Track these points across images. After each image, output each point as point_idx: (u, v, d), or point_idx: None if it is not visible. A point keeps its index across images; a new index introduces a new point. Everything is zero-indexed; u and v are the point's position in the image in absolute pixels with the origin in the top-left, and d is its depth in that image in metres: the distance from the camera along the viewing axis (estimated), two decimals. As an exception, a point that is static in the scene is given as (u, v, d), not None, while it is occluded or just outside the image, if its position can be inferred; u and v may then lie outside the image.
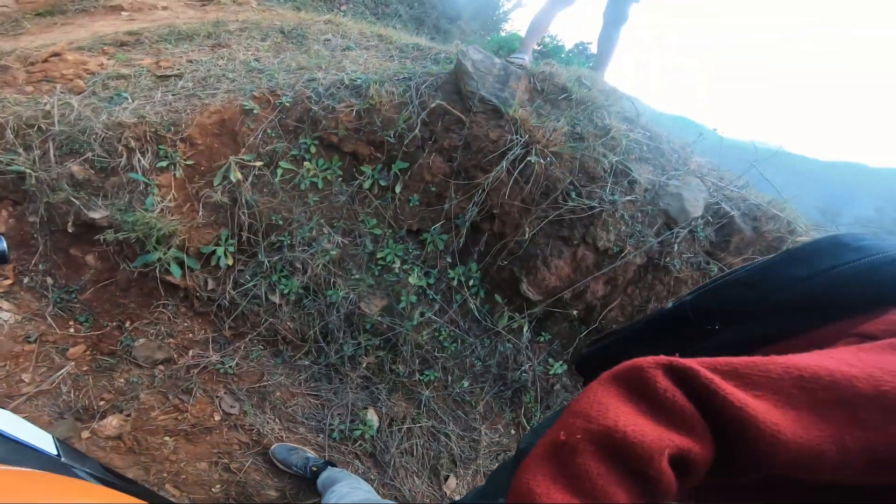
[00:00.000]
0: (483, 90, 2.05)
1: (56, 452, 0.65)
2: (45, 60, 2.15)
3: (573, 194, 1.94)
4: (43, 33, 2.86)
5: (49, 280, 1.86)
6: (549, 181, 1.98)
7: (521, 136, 1.97)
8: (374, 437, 1.95)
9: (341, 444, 1.94)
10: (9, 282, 1.81)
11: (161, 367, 1.97)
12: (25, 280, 1.85)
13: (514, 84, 2.15)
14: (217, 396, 1.94)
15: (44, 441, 0.65)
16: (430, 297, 2.21)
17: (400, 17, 5.15)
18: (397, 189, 2.22)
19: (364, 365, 2.12)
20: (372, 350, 2.12)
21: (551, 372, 2.14)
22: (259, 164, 2.05)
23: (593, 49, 3.74)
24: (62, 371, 1.85)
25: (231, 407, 1.93)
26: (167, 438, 1.81)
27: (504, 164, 1.96)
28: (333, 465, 1.77)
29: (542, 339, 2.18)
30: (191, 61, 2.43)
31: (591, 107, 2.11)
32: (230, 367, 1.98)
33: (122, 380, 1.91)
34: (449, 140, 2.09)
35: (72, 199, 1.75)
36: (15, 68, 2.05)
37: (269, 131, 2.04)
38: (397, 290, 2.17)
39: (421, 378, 2.11)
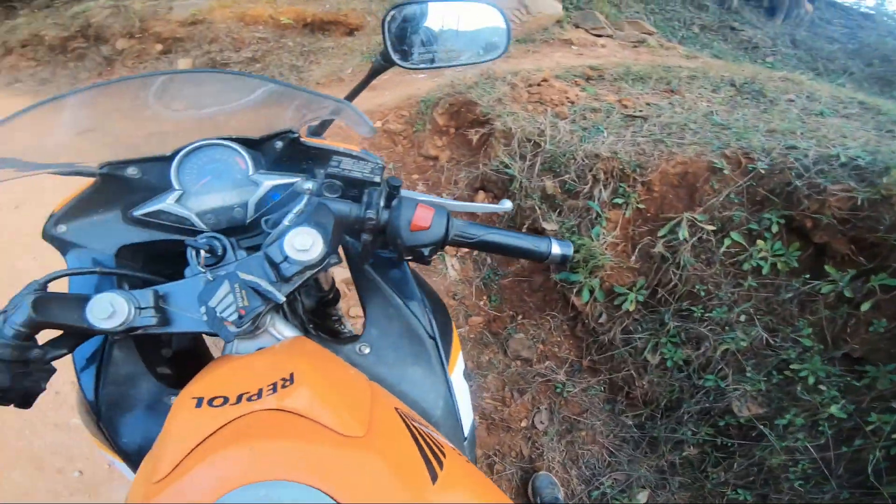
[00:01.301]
0: None
1: None
2: (539, 84, 2.53)
3: None
4: (524, 58, 3.46)
5: (489, 259, 2.23)
6: None
7: None
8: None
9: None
10: (465, 251, 2.25)
11: (519, 362, 2.11)
12: (475, 252, 2.26)
13: None
14: (538, 408, 1.97)
15: None
16: (822, 428, 1.66)
17: (851, 74, 4.11)
18: (863, 307, 1.69)
19: (683, 453, 1.82)
20: (702, 445, 1.80)
21: None
22: (711, 227, 1.88)
23: None
24: (459, 330, 2.21)
25: (541, 423, 1.94)
26: (475, 418, 1.96)
27: None
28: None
29: None
30: (649, 104, 2.46)
31: None
32: (567, 391, 1.98)
33: (486, 356, 2.14)
34: None
35: (536, 207, 2.00)
36: (520, 87, 2.48)
37: (732, 196, 1.84)
38: (785, 406, 1.72)
39: (731, 495, 1.70)
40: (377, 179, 0.53)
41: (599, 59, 3.65)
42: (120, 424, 0.56)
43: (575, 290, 1.99)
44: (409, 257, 0.55)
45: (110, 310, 0.46)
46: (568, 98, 2.44)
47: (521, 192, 2.06)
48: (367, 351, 0.59)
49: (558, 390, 2.02)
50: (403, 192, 0.57)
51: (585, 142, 2.06)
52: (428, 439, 0.44)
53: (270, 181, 0.66)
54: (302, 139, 0.69)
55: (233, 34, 5.19)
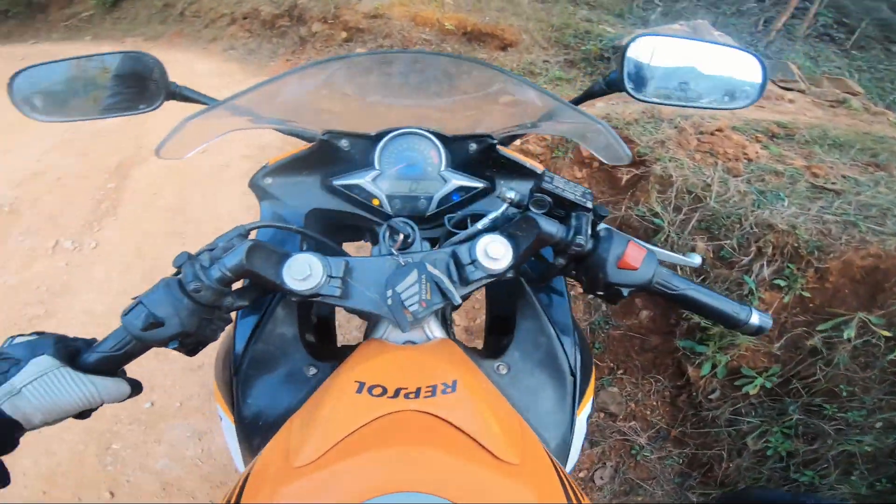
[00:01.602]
0: None
1: None
2: (712, 133, 2.30)
3: None
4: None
5: (604, 307, 2.12)
6: None
7: None
8: None
9: None
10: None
11: (602, 415, 1.99)
12: (589, 295, 2.17)
13: None
14: (604, 463, 1.85)
15: None
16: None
17: None
18: None
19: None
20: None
21: None
22: (886, 333, 1.57)
23: None
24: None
25: (601, 479, 1.82)
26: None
27: None
28: None
29: None
30: (846, 177, 2.10)
31: None
32: (643, 455, 1.83)
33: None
34: None
35: (679, 268, 1.83)
36: (689, 132, 2.28)
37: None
38: None
39: None
40: (589, 205, 0.50)
41: (786, 116, 3.21)
42: (253, 385, 0.55)
43: (696, 362, 1.81)
44: (601, 293, 0.53)
45: (307, 272, 0.47)
46: (745, 154, 2.19)
47: (666, 245, 1.90)
48: (504, 371, 0.57)
49: (633, 452, 1.87)
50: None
51: (759, 207, 1.83)
52: (571, 483, 0.41)
53: (458, 180, 0.69)
54: (498, 147, 0.70)
55: (404, 32, 5.55)
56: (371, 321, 0.60)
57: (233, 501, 0.36)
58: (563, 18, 5.73)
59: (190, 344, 0.47)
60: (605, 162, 0.66)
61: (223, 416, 0.58)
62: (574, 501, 0.39)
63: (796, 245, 1.72)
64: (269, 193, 0.69)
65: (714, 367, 1.78)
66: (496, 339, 0.72)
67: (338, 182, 0.67)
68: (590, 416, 0.62)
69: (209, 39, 7.66)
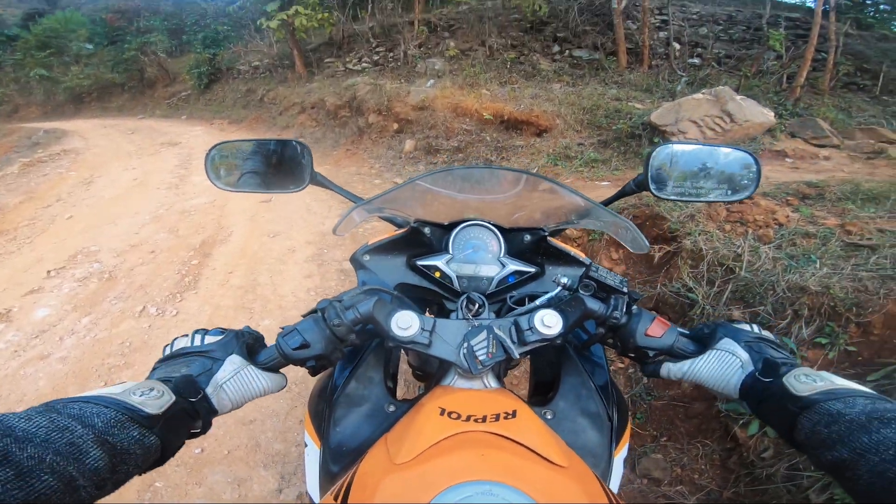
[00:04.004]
0: None
1: None
2: (741, 201, 2.30)
3: None
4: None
5: (645, 380, 2.04)
6: None
7: None
8: None
9: None
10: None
11: (646, 481, 1.84)
12: (630, 370, 2.10)
13: None
14: None
15: None
16: None
17: None
18: None
19: None
20: None
21: None
22: None
23: None
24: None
25: None
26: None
27: None
28: None
29: None
30: (882, 231, 2.02)
31: None
32: None
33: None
34: None
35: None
36: (718, 204, 2.29)
37: None
38: None
39: None
40: (624, 290, 0.60)
41: (820, 174, 3.16)
42: (344, 416, 0.66)
43: (741, 423, 1.69)
44: (632, 354, 0.62)
45: (409, 324, 0.57)
46: (775, 219, 2.17)
47: (702, 319, 1.86)
48: (549, 416, 0.65)
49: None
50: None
51: (790, 272, 1.79)
52: (612, 494, 0.48)
53: (514, 266, 0.81)
54: (549, 239, 0.83)
55: (446, 123, 5.99)
56: (441, 371, 0.70)
57: (341, 494, 0.45)
58: (593, 100, 5.99)
59: (318, 366, 0.58)
60: (631, 250, 0.77)
61: (310, 442, 0.67)
62: (615, 502, 0.46)
63: (832, 304, 1.65)
64: (366, 267, 0.83)
65: (763, 425, 1.66)
66: (542, 392, 0.81)
67: (420, 262, 0.82)
68: (625, 460, 0.68)
69: (283, 126, 8.64)
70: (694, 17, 8.07)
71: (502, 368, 0.76)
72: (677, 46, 7.35)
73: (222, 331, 0.58)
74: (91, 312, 2.94)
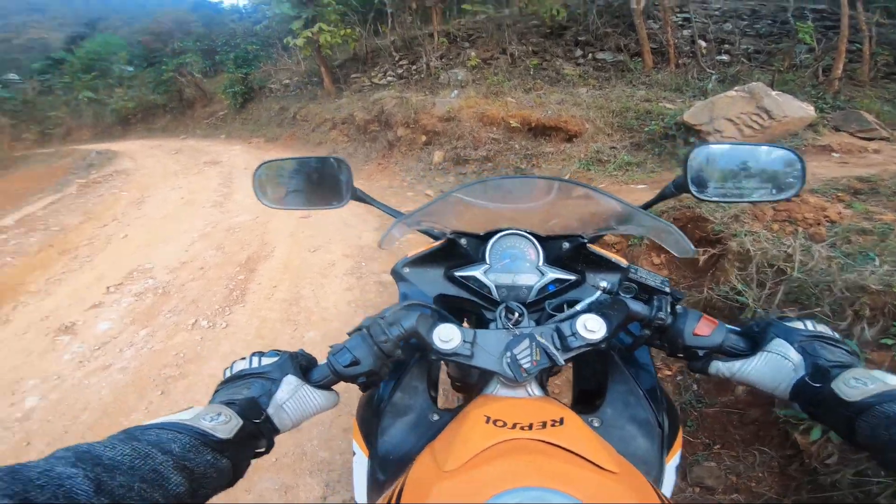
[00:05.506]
0: None
1: None
2: (788, 200, 2.21)
3: None
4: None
5: (694, 386, 1.97)
6: None
7: None
8: None
9: None
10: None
11: (698, 489, 1.77)
12: (679, 377, 2.04)
13: None
14: None
15: None
16: None
17: None
18: None
19: None
20: None
21: None
22: None
23: None
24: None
25: None
26: None
27: None
28: None
29: None
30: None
31: None
32: None
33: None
34: None
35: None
36: (763, 203, 2.21)
37: None
38: None
39: None
40: (666, 290, 0.59)
41: (872, 168, 2.98)
42: (391, 425, 0.66)
43: (802, 428, 1.60)
44: (681, 354, 0.61)
45: (451, 336, 0.58)
46: (826, 216, 2.07)
47: (750, 321, 1.79)
48: (597, 424, 0.64)
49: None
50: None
51: (847, 271, 1.69)
52: (664, 497, 0.46)
53: (554, 274, 0.80)
54: (588, 246, 0.81)
55: (473, 133, 5.97)
56: (482, 380, 0.70)
57: (394, 500, 0.45)
58: (622, 102, 5.88)
59: (369, 382, 0.60)
60: (676, 255, 0.75)
61: (358, 451, 0.68)
62: None
63: (894, 302, 1.55)
64: (406, 279, 0.85)
65: (826, 430, 1.57)
66: (585, 401, 0.79)
67: (458, 273, 0.82)
68: (677, 468, 0.66)
69: (316, 143, 8.83)
70: (716, 13, 7.80)
71: (545, 376, 0.75)
72: (703, 44, 7.13)
73: (277, 353, 0.60)
74: (148, 325, 3.09)
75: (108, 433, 0.41)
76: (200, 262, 3.98)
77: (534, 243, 0.82)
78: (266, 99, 12.68)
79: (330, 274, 3.54)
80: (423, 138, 6.48)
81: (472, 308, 0.84)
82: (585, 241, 0.81)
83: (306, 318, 2.99)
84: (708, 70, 6.65)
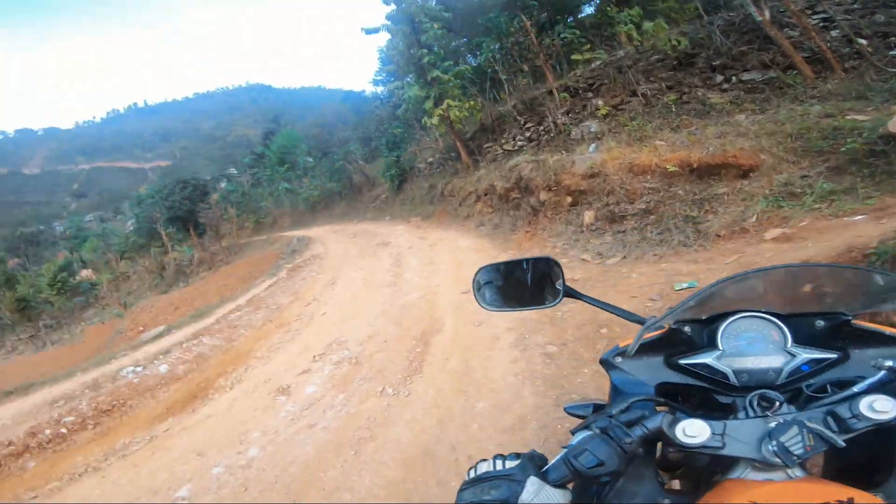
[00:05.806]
0: None
1: None
2: None
3: None
4: None
5: None
6: None
7: None
8: None
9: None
10: None
11: None
12: None
13: None
14: None
15: None
16: None
17: None
18: None
19: None
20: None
21: None
22: None
23: None
24: None
25: None
26: None
27: None
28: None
29: None
30: None
31: None
32: None
33: None
34: None
35: None
36: None
37: None
38: None
39: None
40: None
41: None
42: None
43: None
44: None
45: (698, 432, 0.58)
46: None
47: None
48: (884, 501, 0.56)
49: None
50: None
51: None
52: None
53: (809, 355, 0.72)
54: (853, 322, 0.73)
55: (625, 186, 5.66)
56: (720, 465, 0.66)
57: None
58: (797, 123, 5.06)
59: (611, 480, 0.61)
60: None
61: None
62: None
63: None
64: (619, 368, 0.83)
65: None
66: (850, 477, 0.69)
67: (684, 362, 0.78)
68: None
69: (464, 217, 9.45)
70: (856, 7, 6.36)
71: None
72: (863, 41, 5.86)
73: (517, 455, 0.65)
74: (345, 391, 3.63)
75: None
76: (384, 335, 4.56)
77: (777, 325, 0.75)
78: (416, 178, 13.99)
79: (495, 346, 3.69)
80: (569, 199, 6.40)
81: (696, 393, 0.80)
82: (851, 318, 0.73)
83: (476, 389, 3.14)
84: (888, 69, 5.37)
